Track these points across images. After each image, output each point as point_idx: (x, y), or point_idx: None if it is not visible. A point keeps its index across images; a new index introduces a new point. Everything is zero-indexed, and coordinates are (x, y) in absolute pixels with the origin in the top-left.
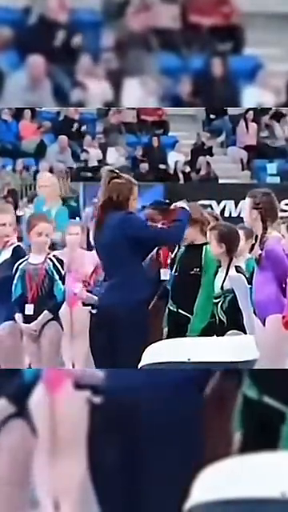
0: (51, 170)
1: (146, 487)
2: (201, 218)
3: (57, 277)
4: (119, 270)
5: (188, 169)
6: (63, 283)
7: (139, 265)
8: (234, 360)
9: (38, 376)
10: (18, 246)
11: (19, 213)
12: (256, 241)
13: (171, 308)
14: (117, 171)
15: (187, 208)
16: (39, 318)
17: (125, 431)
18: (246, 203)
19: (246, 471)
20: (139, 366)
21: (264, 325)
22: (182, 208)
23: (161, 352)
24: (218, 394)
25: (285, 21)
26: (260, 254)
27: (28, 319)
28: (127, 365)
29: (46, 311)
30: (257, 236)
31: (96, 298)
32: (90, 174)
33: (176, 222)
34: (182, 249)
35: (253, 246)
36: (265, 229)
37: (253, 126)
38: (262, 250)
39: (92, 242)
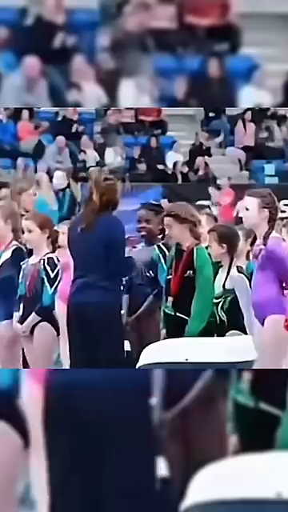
0: (49, 171)
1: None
2: (190, 217)
3: (46, 280)
4: (99, 270)
5: (186, 169)
6: (52, 286)
7: (114, 267)
8: (231, 360)
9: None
10: (19, 247)
11: None
12: (254, 240)
13: (167, 311)
14: (105, 171)
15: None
16: (28, 319)
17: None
18: (254, 203)
19: (242, 472)
20: (137, 367)
21: (262, 325)
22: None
23: (159, 352)
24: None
25: (281, 21)
26: (261, 254)
27: (20, 319)
28: (102, 364)
29: (33, 313)
30: (256, 236)
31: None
32: (87, 175)
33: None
34: (173, 251)
35: (252, 244)
36: (271, 228)
37: (251, 126)
38: (264, 246)
39: (69, 238)
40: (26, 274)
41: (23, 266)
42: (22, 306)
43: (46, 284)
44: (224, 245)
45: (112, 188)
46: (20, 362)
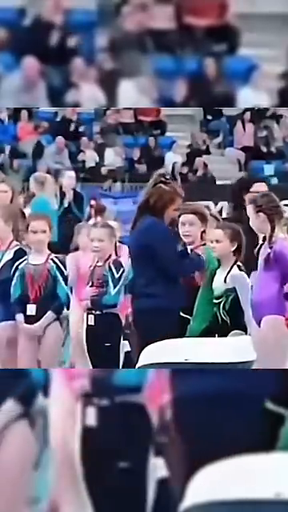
0: (49, 171)
1: None
2: (208, 218)
3: (60, 278)
4: (141, 276)
5: (185, 170)
6: (66, 284)
7: (162, 271)
8: (231, 361)
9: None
10: (20, 248)
11: None
12: (264, 241)
13: None
14: (167, 176)
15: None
16: (43, 318)
17: None
18: (249, 209)
19: (241, 472)
20: (136, 367)
21: (259, 325)
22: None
23: (159, 353)
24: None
25: (280, 21)
26: (268, 254)
27: (29, 320)
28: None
29: (50, 312)
30: (264, 237)
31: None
32: (87, 175)
33: (193, 265)
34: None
35: (260, 245)
36: (273, 228)
37: (250, 126)
38: (270, 248)
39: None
40: (34, 274)
41: (20, 266)
42: (29, 306)
43: (62, 282)
44: (235, 242)
45: (163, 193)
46: (17, 362)
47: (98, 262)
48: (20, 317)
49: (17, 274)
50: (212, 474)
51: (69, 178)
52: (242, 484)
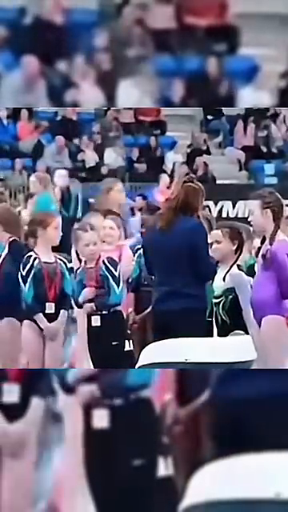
0: (48, 171)
1: None
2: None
3: (69, 277)
4: (181, 276)
5: (185, 169)
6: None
7: (198, 273)
8: (230, 360)
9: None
10: (15, 240)
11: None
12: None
13: None
14: (193, 176)
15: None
16: (60, 317)
17: None
18: (255, 205)
19: (241, 472)
20: (137, 367)
21: (259, 325)
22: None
23: (158, 352)
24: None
25: (280, 21)
26: (265, 254)
27: (48, 318)
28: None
29: (64, 311)
30: (263, 237)
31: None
32: (87, 175)
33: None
34: None
35: (261, 245)
36: (277, 226)
37: (250, 126)
38: (270, 246)
39: (146, 239)
40: (50, 273)
41: (34, 265)
42: (48, 304)
43: (70, 280)
44: (236, 241)
45: (194, 191)
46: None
47: (86, 263)
48: (39, 316)
49: (30, 274)
50: (212, 474)
51: (60, 177)
52: (241, 484)
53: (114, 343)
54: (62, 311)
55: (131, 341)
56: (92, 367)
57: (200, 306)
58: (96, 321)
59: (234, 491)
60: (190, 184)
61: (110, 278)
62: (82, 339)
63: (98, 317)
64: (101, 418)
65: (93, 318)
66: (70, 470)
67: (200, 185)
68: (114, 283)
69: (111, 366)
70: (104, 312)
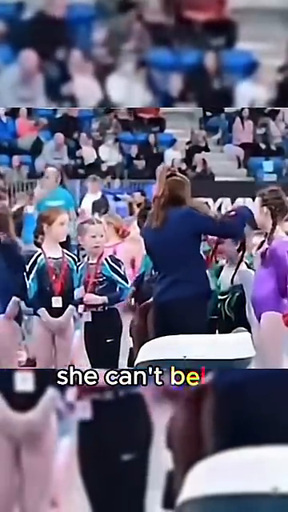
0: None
1: None
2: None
3: (76, 272)
4: (181, 266)
5: (184, 166)
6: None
7: (200, 259)
8: (229, 358)
9: None
10: (4, 236)
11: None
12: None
13: None
14: (173, 168)
15: (248, 207)
16: (67, 311)
17: None
18: (256, 203)
19: (238, 466)
20: (135, 364)
21: (259, 321)
22: (244, 206)
23: (156, 349)
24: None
25: (278, 16)
26: (265, 251)
27: (54, 313)
28: None
29: (70, 306)
30: (266, 233)
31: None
32: (86, 172)
33: (238, 217)
34: None
35: (262, 242)
36: (274, 224)
37: (249, 123)
38: (269, 245)
39: (144, 238)
40: (55, 268)
41: (38, 260)
42: (55, 298)
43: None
44: (238, 241)
45: (178, 183)
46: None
47: (89, 259)
48: (42, 311)
49: (34, 269)
50: (209, 468)
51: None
52: (239, 477)
53: (108, 340)
54: (69, 306)
55: (131, 338)
56: (89, 365)
57: (202, 291)
58: (87, 317)
59: (230, 485)
60: (173, 177)
61: (116, 276)
62: (80, 336)
63: (89, 313)
64: (83, 410)
65: (84, 314)
66: (67, 464)
67: (183, 176)
68: (122, 280)
69: (107, 363)
70: (99, 309)
